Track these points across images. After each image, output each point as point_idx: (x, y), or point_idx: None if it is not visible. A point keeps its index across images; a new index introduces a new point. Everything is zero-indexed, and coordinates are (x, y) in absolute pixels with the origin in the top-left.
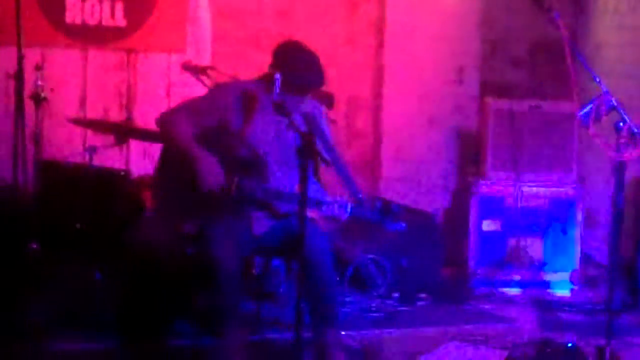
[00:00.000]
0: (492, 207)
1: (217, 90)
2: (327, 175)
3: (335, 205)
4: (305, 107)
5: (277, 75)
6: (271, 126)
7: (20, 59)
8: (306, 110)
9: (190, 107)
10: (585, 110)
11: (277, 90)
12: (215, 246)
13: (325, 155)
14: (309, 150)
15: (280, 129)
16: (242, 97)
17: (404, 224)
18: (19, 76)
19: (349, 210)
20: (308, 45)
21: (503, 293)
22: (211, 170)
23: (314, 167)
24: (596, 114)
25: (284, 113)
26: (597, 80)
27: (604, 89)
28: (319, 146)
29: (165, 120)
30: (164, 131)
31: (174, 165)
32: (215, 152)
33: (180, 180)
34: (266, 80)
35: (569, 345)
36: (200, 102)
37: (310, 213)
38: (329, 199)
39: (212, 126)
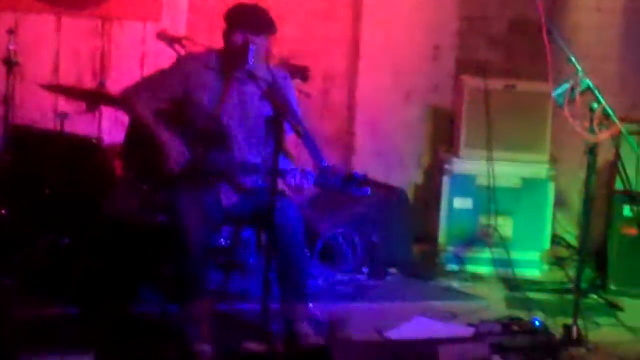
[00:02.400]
0: (464, 185)
1: (177, 62)
2: (291, 145)
3: (298, 174)
4: (269, 75)
5: (252, 45)
6: (234, 96)
7: None
8: (270, 78)
9: (151, 82)
10: (560, 90)
11: (252, 60)
12: (183, 215)
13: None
14: (283, 121)
15: (243, 99)
16: (204, 68)
17: (367, 190)
18: None
19: (311, 178)
20: (284, 18)
21: (472, 271)
22: (174, 151)
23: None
24: (571, 94)
25: (257, 83)
26: (573, 60)
27: (580, 70)
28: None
29: (126, 98)
30: (126, 109)
31: (143, 135)
32: (179, 124)
33: (148, 149)
34: (230, 50)
35: (536, 323)
36: (161, 76)
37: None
38: (292, 168)
39: (177, 98)
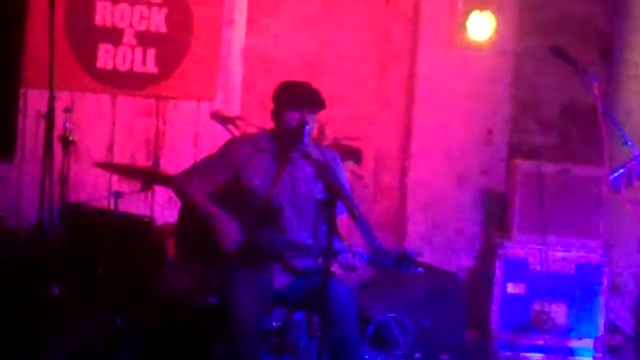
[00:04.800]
0: (517, 269)
1: (229, 146)
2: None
3: (351, 254)
4: (319, 155)
5: (307, 126)
6: (286, 177)
7: (52, 100)
8: (321, 159)
9: (202, 167)
10: (617, 174)
11: (307, 139)
12: (234, 297)
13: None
14: (336, 201)
15: (295, 179)
16: (255, 150)
17: (420, 269)
18: (49, 117)
19: (364, 258)
20: (338, 100)
21: (526, 358)
22: (228, 231)
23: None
24: (628, 178)
25: (312, 163)
26: (630, 144)
27: (637, 154)
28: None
29: (179, 183)
30: (179, 194)
31: (196, 215)
32: (232, 206)
33: (201, 231)
34: (283, 130)
35: None
36: (212, 161)
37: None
38: (344, 247)
39: (229, 181)
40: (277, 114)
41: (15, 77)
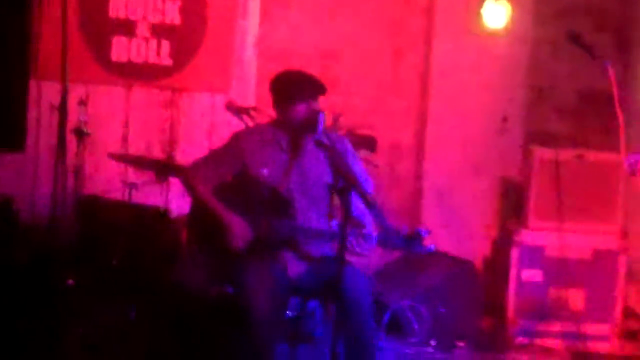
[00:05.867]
0: (533, 256)
1: (235, 139)
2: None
3: (360, 237)
4: (327, 139)
5: (322, 114)
6: (296, 166)
7: (65, 92)
8: (329, 143)
9: (209, 160)
10: (633, 159)
11: (321, 128)
12: (249, 288)
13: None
14: (350, 188)
15: (305, 167)
16: (262, 142)
17: (432, 246)
18: (62, 110)
19: (374, 239)
20: (354, 90)
21: (542, 344)
22: (238, 230)
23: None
24: None
25: (327, 151)
26: None
27: None
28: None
29: (186, 176)
30: (186, 187)
31: (206, 210)
32: (241, 197)
33: (212, 223)
34: (294, 122)
35: None
36: (219, 154)
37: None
38: (353, 230)
39: (236, 173)
40: (281, 107)
41: (24, 69)
